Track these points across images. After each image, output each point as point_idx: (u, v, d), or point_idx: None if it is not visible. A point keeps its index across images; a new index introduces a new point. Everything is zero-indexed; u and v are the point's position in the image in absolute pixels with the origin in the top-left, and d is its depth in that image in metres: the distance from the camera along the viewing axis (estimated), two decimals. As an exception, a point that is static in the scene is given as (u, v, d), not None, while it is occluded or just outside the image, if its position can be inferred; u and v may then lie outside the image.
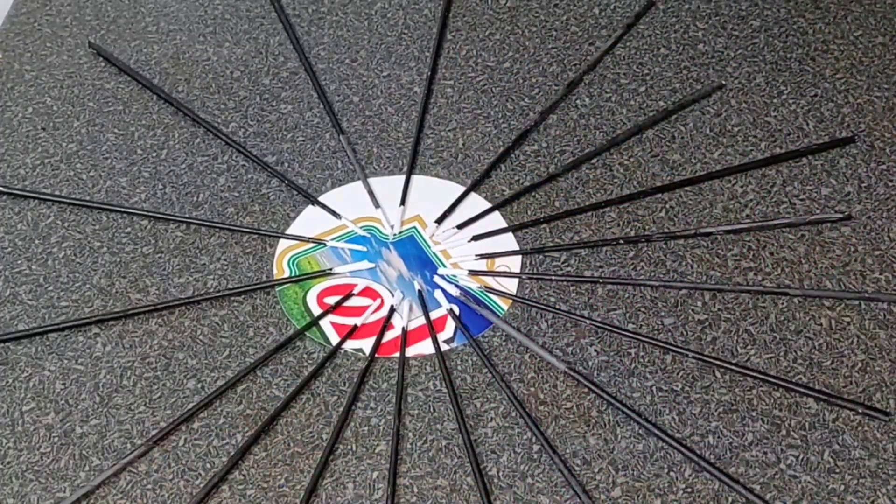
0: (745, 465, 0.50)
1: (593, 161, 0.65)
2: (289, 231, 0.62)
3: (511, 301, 0.58)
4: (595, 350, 0.55)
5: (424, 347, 0.56)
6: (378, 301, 0.58)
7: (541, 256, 0.60)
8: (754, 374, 0.53)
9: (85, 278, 0.60)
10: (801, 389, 0.52)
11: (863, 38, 0.70)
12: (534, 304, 0.57)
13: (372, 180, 0.65)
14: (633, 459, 0.51)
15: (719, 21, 0.73)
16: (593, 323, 0.56)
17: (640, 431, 0.52)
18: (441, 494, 0.50)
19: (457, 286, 0.59)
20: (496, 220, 0.62)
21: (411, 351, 0.56)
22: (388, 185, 0.64)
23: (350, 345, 0.56)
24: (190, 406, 0.53)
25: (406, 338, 0.56)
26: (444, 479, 0.50)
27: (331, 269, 0.60)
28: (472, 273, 0.59)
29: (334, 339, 0.57)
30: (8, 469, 0.52)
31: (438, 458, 0.51)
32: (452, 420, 0.53)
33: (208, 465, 0.51)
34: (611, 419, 0.52)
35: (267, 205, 0.63)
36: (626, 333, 0.55)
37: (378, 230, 0.62)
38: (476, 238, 0.61)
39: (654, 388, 0.53)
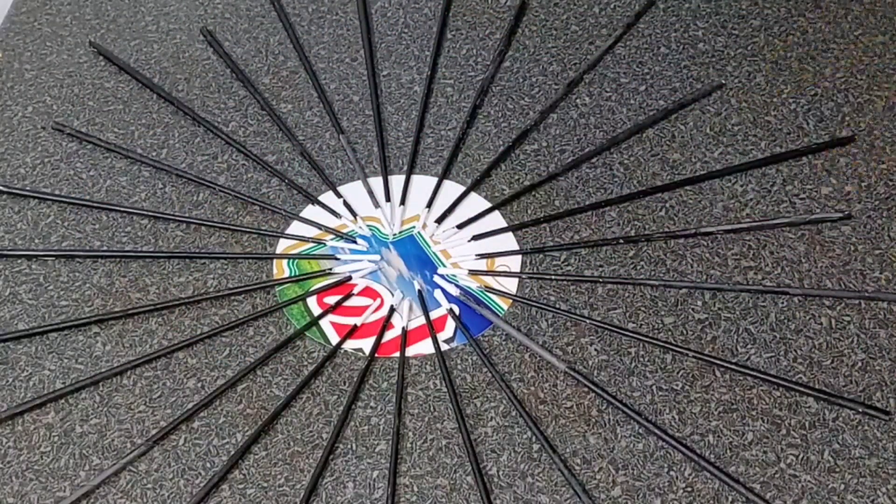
0: (745, 465, 0.50)
1: (593, 160, 0.65)
2: (289, 231, 0.62)
3: (511, 301, 0.58)
4: (595, 349, 0.55)
5: (424, 347, 0.56)
6: (378, 301, 0.58)
7: (541, 256, 0.60)
8: (754, 373, 0.53)
9: (85, 277, 0.60)
10: (801, 389, 0.52)
11: (863, 37, 0.70)
12: (534, 303, 0.57)
13: (372, 180, 0.65)
14: (633, 458, 0.51)
15: (719, 20, 0.72)
16: (593, 322, 0.56)
17: (640, 431, 0.52)
18: (441, 493, 0.50)
19: (457, 286, 0.59)
20: (496, 220, 0.62)
21: (411, 350, 0.56)
22: (387, 185, 0.64)
23: (350, 344, 0.56)
24: (190, 405, 0.53)
25: (406, 337, 0.56)
26: (444, 478, 0.50)
27: (330, 269, 0.60)
28: (472, 273, 0.59)
29: (334, 338, 0.57)
30: (8, 468, 0.52)
31: (438, 457, 0.51)
32: (452, 419, 0.53)
33: (208, 465, 0.51)
34: (611, 418, 0.52)
35: (267, 204, 0.63)
36: (627, 333, 0.55)
37: (378, 230, 0.62)
38: (476, 238, 0.61)
39: (654, 388, 0.53)
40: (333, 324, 0.57)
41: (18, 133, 0.69)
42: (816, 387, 0.53)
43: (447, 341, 0.56)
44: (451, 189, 0.64)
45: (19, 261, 0.61)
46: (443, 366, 0.54)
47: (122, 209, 0.63)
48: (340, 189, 0.64)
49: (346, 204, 0.63)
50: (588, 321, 0.56)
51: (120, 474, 0.51)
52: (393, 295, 0.59)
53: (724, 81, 0.68)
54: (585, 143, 0.66)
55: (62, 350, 0.56)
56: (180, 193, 0.64)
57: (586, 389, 0.53)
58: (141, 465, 0.51)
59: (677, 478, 0.50)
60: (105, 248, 0.62)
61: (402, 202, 0.63)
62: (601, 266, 0.59)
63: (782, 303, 0.57)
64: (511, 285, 0.59)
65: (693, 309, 0.57)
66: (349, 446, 0.52)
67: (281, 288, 0.59)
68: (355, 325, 0.57)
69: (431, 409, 0.53)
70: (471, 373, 0.55)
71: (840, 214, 0.60)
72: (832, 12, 0.72)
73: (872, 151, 0.64)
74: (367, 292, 0.59)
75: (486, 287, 0.58)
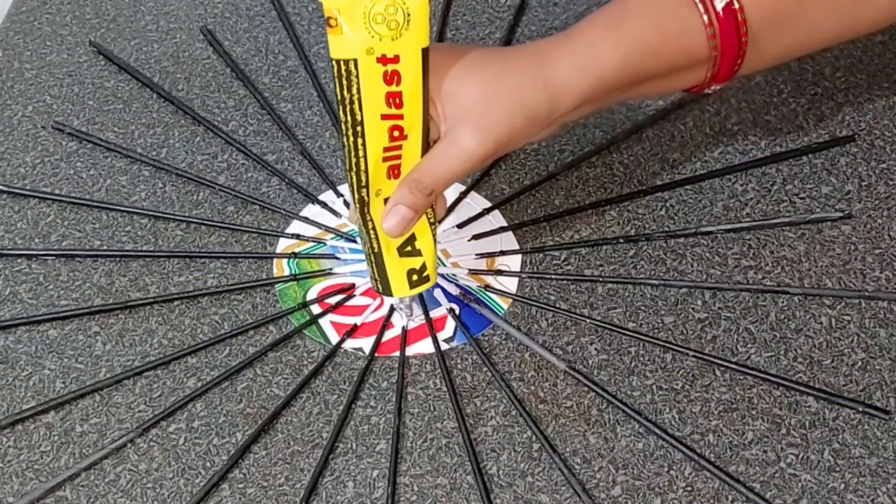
0: (745, 464, 0.50)
1: (593, 160, 0.65)
2: (289, 230, 0.62)
3: (511, 300, 0.58)
4: (595, 349, 0.55)
5: (424, 346, 0.56)
6: (378, 300, 0.58)
7: (541, 255, 0.60)
8: (754, 372, 0.53)
9: (85, 277, 0.60)
10: (801, 388, 0.52)
11: (863, 36, 0.70)
12: (534, 302, 0.57)
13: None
14: (633, 458, 0.51)
15: (719, 20, 0.72)
16: (593, 322, 0.56)
17: (640, 430, 0.52)
18: (441, 493, 0.50)
19: (457, 285, 0.59)
20: (496, 219, 0.62)
21: (411, 350, 0.56)
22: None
23: (350, 344, 0.56)
24: (190, 404, 0.53)
25: (406, 337, 0.56)
26: (444, 477, 0.50)
27: (331, 269, 0.60)
28: (472, 272, 0.59)
29: (334, 338, 0.57)
30: (8, 468, 0.52)
31: (438, 456, 0.51)
32: (452, 419, 0.53)
33: (208, 464, 0.51)
34: (611, 418, 0.52)
35: (267, 203, 0.63)
36: (627, 332, 0.55)
37: (378, 229, 0.62)
38: (476, 237, 0.61)
39: (654, 387, 0.53)
40: (333, 323, 0.57)
41: (18, 132, 0.69)
42: (816, 386, 0.53)
43: (447, 340, 0.56)
44: (451, 189, 0.64)
45: (19, 260, 0.61)
46: (443, 365, 0.54)
47: (122, 209, 0.63)
48: (340, 188, 0.64)
49: (346, 203, 0.63)
50: (588, 320, 0.56)
51: (120, 474, 0.51)
52: (393, 294, 0.59)
53: (724, 81, 0.68)
54: (585, 143, 0.66)
55: (62, 349, 0.56)
56: (180, 193, 0.64)
57: (586, 389, 0.53)
58: (141, 465, 0.51)
59: (677, 477, 0.50)
60: (105, 247, 0.62)
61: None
62: (601, 265, 0.59)
63: (782, 302, 0.57)
64: (511, 284, 0.59)
65: (693, 308, 0.57)
66: (349, 446, 0.52)
67: (281, 287, 0.59)
68: (355, 325, 0.57)
69: (431, 408, 0.53)
70: (471, 372, 0.55)
71: (840, 214, 0.60)
72: (832, 12, 0.72)
73: (872, 151, 0.64)
74: (368, 292, 0.59)
75: (486, 286, 0.58)
